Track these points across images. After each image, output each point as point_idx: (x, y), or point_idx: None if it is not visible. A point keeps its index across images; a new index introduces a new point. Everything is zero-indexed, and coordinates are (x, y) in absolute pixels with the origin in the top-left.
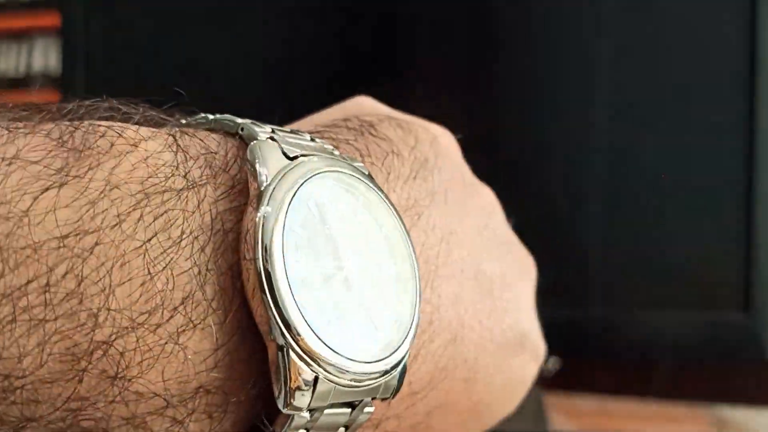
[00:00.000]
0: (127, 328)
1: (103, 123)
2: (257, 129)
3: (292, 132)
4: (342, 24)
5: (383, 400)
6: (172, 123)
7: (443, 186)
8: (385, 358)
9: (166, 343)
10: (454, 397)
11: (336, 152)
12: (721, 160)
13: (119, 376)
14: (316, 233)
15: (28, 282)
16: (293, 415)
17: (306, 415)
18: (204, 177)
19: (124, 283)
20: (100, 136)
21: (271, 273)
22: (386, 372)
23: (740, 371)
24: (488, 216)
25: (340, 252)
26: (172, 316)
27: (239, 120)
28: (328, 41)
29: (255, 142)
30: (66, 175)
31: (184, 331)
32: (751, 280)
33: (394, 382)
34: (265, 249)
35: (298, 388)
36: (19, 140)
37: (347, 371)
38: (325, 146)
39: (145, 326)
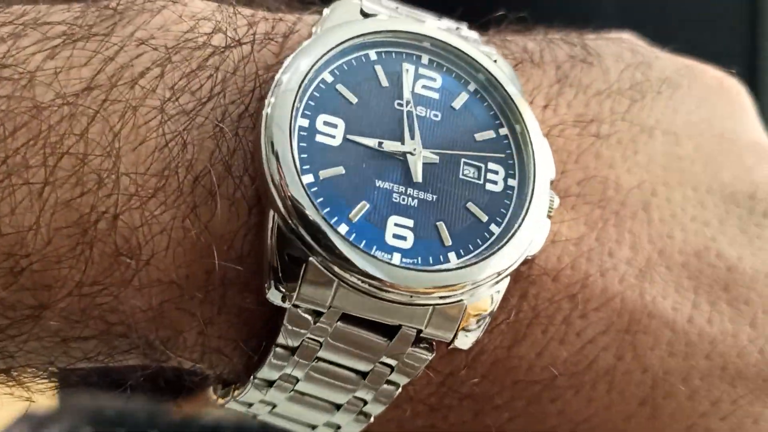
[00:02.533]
0: (135, 197)
1: None
2: None
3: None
4: None
5: (426, 347)
6: None
7: (668, 122)
8: (437, 271)
9: (183, 219)
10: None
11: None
12: None
13: (132, 255)
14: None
15: (27, 143)
16: (288, 309)
17: (305, 315)
18: (254, 37)
19: (135, 146)
20: None
21: (277, 151)
22: (433, 290)
23: None
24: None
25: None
26: (191, 189)
27: None
28: None
29: (336, 2)
30: (89, 32)
31: (203, 205)
32: None
33: (454, 312)
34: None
35: (284, 271)
36: (46, 8)
37: (355, 266)
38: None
39: (158, 197)
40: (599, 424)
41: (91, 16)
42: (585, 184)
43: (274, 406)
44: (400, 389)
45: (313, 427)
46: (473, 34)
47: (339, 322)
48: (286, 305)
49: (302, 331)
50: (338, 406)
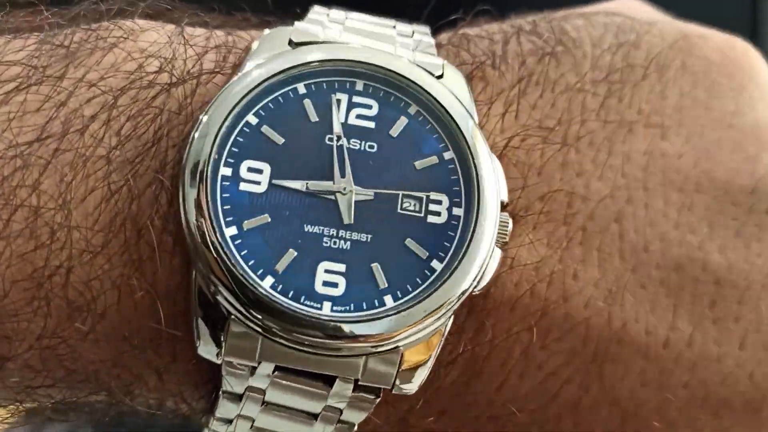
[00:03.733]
0: (85, 252)
1: (112, 23)
2: (311, 16)
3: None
4: None
5: (370, 390)
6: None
7: (653, 112)
8: (369, 319)
9: (130, 276)
10: None
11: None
12: None
13: (88, 309)
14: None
15: None
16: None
17: (240, 369)
18: (201, 70)
19: (84, 196)
20: (94, 31)
21: (202, 197)
22: (364, 340)
23: None
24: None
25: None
26: (136, 243)
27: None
28: None
29: (267, 32)
30: (43, 75)
31: (148, 260)
32: None
33: (390, 361)
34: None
35: (210, 328)
36: (3, 45)
37: (278, 321)
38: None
39: (107, 252)
40: None
41: (45, 57)
42: (549, 199)
43: None
44: (355, 427)
45: None
46: (426, 41)
47: (276, 372)
48: (218, 361)
49: (242, 381)
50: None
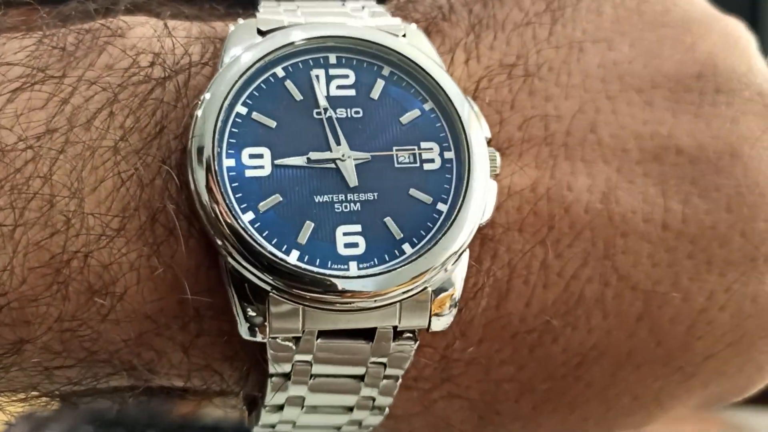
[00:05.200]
0: (102, 236)
1: (101, 23)
2: (266, 8)
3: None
4: None
5: (408, 337)
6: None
7: (595, 29)
8: (394, 269)
9: (149, 257)
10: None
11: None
12: None
13: (106, 292)
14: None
15: None
16: (267, 342)
17: (285, 343)
18: (191, 63)
19: (96, 186)
20: (86, 32)
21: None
22: (394, 288)
23: None
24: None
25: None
26: (151, 228)
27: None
28: None
29: (233, 27)
30: (44, 75)
31: (165, 242)
32: None
33: (422, 302)
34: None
35: (249, 311)
36: (1, 45)
37: (313, 288)
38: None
39: (123, 236)
40: (605, 349)
41: (44, 58)
42: (526, 126)
43: (294, 423)
44: (399, 380)
45: (338, 428)
46: (379, 9)
47: (319, 340)
48: (263, 340)
49: (288, 357)
50: (351, 408)
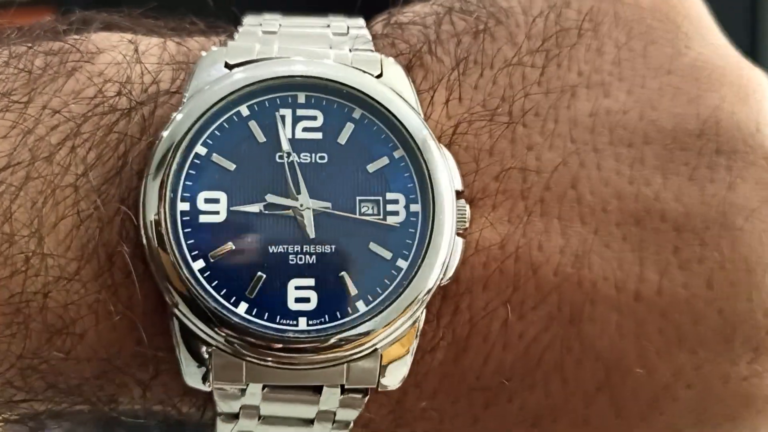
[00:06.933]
0: (60, 278)
1: (67, 40)
2: (244, 30)
3: (299, 26)
4: None
5: (357, 391)
6: (162, 30)
7: (593, 71)
8: (344, 328)
9: (106, 301)
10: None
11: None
12: None
13: (67, 332)
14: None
15: None
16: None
17: (231, 392)
18: (159, 93)
19: (56, 223)
20: (54, 54)
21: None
22: (342, 348)
23: None
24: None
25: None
26: (109, 270)
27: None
28: None
29: (203, 55)
30: (8, 101)
31: (122, 285)
32: None
33: (370, 363)
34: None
35: (194, 360)
36: None
37: (257, 344)
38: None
39: (80, 278)
40: (561, 413)
41: (10, 82)
42: (503, 177)
43: None
44: (351, 425)
45: None
46: (362, 35)
47: (265, 389)
48: (208, 389)
49: (235, 401)
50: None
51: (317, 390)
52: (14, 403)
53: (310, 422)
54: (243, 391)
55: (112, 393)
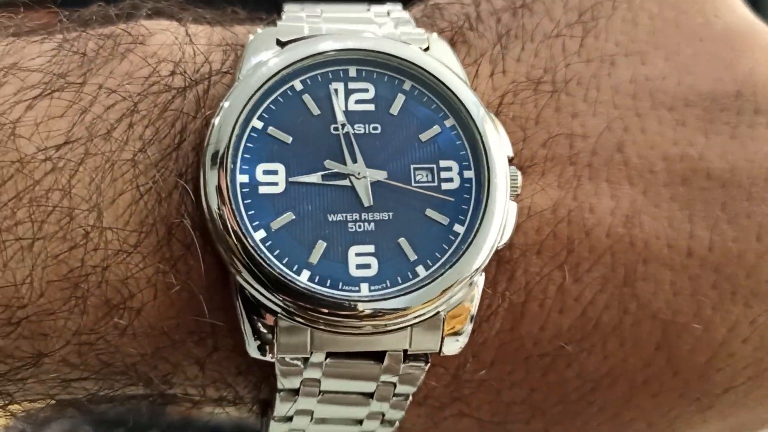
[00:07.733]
0: (120, 252)
1: (118, 24)
2: (288, 14)
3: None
4: None
5: (419, 358)
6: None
7: (629, 41)
8: (406, 292)
9: (165, 273)
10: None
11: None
12: None
13: (125, 306)
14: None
15: (15, 197)
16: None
17: (293, 362)
18: (211, 72)
19: (114, 198)
20: (107, 37)
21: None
22: (406, 312)
23: None
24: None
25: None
26: (168, 243)
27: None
28: None
29: (251, 37)
30: (64, 82)
31: (181, 258)
32: None
33: (433, 326)
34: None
35: (257, 329)
36: (21, 50)
37: (322, 310)
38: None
39: (140, 252)
40: (619, 376)
41: (65, 64)
42: (550, 144)
43: (304, 430)
44: (410, 398)
45: None
46: (404, 16)
47: (328, 359)
48: (271, 359)
49: (297, 374)
50: (361, 421)
51: (379, 359)
52: (67, 382)
53: (369, 397)
54: (305, 362)
55: (166, 372)
